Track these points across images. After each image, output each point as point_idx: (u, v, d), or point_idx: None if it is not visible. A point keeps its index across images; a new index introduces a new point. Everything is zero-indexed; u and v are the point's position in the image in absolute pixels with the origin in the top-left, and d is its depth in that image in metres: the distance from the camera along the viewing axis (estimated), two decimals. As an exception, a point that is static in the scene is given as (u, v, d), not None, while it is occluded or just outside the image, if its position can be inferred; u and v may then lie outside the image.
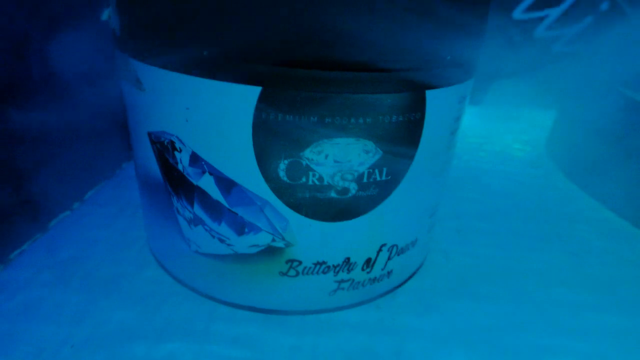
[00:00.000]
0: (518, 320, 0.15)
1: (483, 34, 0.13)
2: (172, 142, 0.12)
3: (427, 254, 0.18)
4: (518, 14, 0.38)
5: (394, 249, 0.14)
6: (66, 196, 0.19)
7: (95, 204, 0.20)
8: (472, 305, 0.16)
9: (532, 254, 0.19)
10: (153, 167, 0.13)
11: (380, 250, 0.14)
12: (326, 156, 0.11)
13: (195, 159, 0.12)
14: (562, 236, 0.20)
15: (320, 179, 0.12)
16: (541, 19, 0.38)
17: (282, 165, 0.11)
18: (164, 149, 0.12)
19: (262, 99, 0.10)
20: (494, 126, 0.35)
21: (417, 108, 0.11)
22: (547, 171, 0.28)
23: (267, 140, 0.11)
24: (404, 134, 0.12)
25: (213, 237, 0.13)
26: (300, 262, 0.13)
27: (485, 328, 0.15)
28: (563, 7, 0.38)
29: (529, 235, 0.20)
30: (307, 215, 0.12)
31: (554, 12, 0.38)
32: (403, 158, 0.12)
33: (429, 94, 0.11)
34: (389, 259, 0.14)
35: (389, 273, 0.15)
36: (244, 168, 0.11)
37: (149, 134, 0.13)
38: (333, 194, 0.12)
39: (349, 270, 0.14)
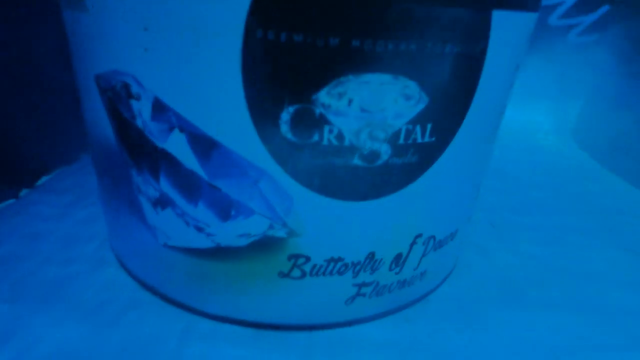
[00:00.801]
0: (586, 335, 0.12)
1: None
2: (127, 86, 0.08)
3: (462, 251, 0.14)
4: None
5: (431, 242, 0.11)
6: (11, 182, 0.16)
7: (48, 192, 0.16)
8: (525, 316, 0.12)
9: (583, 252, 0.15)
10: (104, 127, 0.09)
11: (414, 242, 0.10)
12: (350, 101, 0.08)
13: (159, 108, 0.08)
14: (612, 231, 0.17)
15: (340, 136, 0.08)
16: (554, 7, 0.35)
17: (285, 115, 0.08)
18: (117, 97, 0.09)
19: (256, 6, 0.07)
20: (513, 115, 0.32)
21: (479, 35, 0.08)
22: (578, 161, 0.24)
23: (264, 75, 0.07)
24: (460, 75, 0.08)
25: (187, 224, 0.09)
26: (308, 259, 0.09)
27: (547, 346, 0.11)
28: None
29: (574, 229, 0.17)
30: (318, 191, 0.09)
31: (567, 0, 0.35)
32: (454, 110, 0.09)
33: (497, 16, 0.08)
34: (424, 254, 0.11)
35: (422, 274, 0.11)
36: (229, 119, 0.08)
37: (97, 78, 0.09)
38: (357, 161, 0.08)
39: (372, 270, 0.10)
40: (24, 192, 0.16)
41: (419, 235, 0.10)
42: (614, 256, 0.15)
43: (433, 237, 0.11)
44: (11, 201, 0.15)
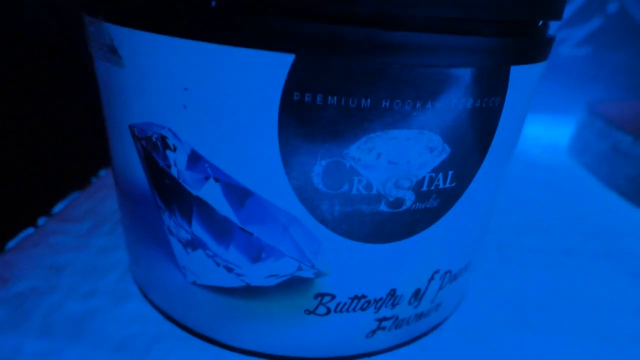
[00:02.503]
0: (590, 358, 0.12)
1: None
2: (164, 138, 0.09)
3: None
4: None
5: (447, 276, 0.11)
6: (29, 209, 0.16)
7: (65, 220, 0.16)
8: (535, 341, 0.13)
9: (586, 275, 0.16)
10: (137, 172, 0.10)
11: (432, 278, 0.11)
12: (378, 155, 0.08)
13: (195, 159, 0.09)
14: (614, 253, 0.18)
15: (368, 186, 0.09)
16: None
17: (318, 168, 0.08)
18: (152, 147, 0.09)
19: (294, 71, 0.07)
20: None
21: (498, 89, 0.09)
22: (576, 178, 0.25)
23: (300, 132, 0.08)
24: (479, 127, 0.09)
25: (218, 264, 0.10)
26: (333, 297, 0.10)
27: (559, 373, 0.12)
28: (569, 8, 0.36)
29: (577, 252, 0.18)
30: (345, 235, 0.09)
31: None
32: (473, 157, 0.09)
33: (514, 71, 0.09)
34: (440, 288, 0.11)
35: (438, 306, 0.12)
36: (264, 172, 0.08)
37: (131, 128, 0.09)
38: (383, 207, 0.09)
39: (393, 305, 0.11)
40: (41, 220, 0.16)
41: (436, 272, 0.11)
42: (617, 280, 0.16)
43: (449, 271, 0.11)
44: (30, 230, 0.15)
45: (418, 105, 0.08)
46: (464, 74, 0.08)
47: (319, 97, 0.08)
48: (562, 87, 0.37)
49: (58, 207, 0.17)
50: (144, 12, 0.08)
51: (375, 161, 0.08)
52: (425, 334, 0.12)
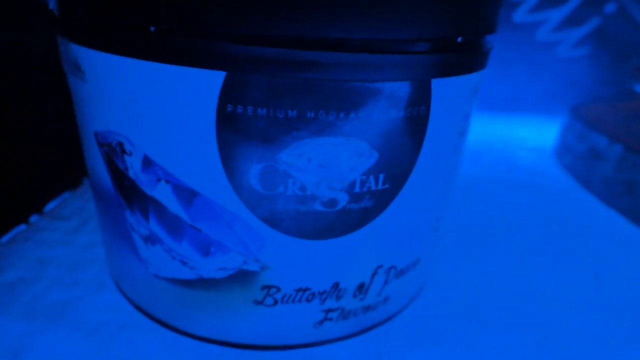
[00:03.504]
0: (539, 355, 0.13)
1: (498, 13, 0.11)
2: (121, 144, 0.10)
3: (430, 274, 0.16)
4: (519, 16, 0.36)
5: (392, 271, 0.12)
6: (22, 208, 0.17)
7: (55, 217, 0.18)
8: (483, 335, 0.13)
9: (550, 275, 0.17)
10: (103, 174, 0.11)
11: (375, 273, 0.12)
12: (309, 160, 0.09)
13: (147, 163, 0.10)
14: (581, 254, 0.18)
15: (303, 188, 0.09)
16: (543, 21, 0.36)
17: (254, 171, 0.09)
18: (112, 152, 0.10)
19: (226, 87, 0.08)
20: (495, 133, 0.33)
21: (420, 101, 0.09)
22: (558, 181, 0.26)
23: (235, 139, 0.09)
24: (405, 133, 0.10)
25: (173, 258, 0.11)
26: (278, 289, 0.11)
27: (500, 364, 0.12)
28: (566, 9, 0.36)
29: (543, 251, 0.18)
30: (286, 232, 0.10)
31: (556, 15, 0.37)
32: (403, 162, 0.10)
33: (436, 83, 0.09)
34: (385, 283, 0.12)
35: (386, 299, 0.12)
36: (207, 174, 0.09)
37: (96, 135, 0.10)
38: (318, 207, 0.10)
39: (337, 298, 0.11)
40: (33, 218, 0.17)
41: (379, 266, 0.12)
42: (578, 280, 0.17)
43: (394, 267, 0.12)
44: (22, 227, 0.17)
45: (342, 115, 0.09)
46: (383, 88, 0.09)
47: (249, 109, 0.08)
48: (558, 88, 0.38)
49: (50, 206, 0.18)
50: (98, 34, 0.09)
51: (306, 165, 0.09)
52: (375, 326, 0.13)
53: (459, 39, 0.09)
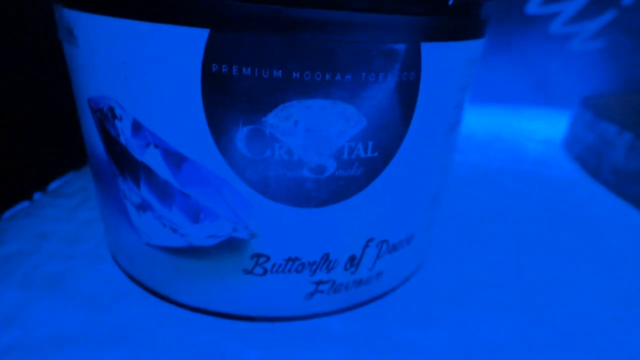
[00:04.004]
0: (529, 337, 0.12)
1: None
2: (112, 108, 0.10)
3: (426, 256, 0.16)
4: (532, 8, 0.35)
5: (384, 245, 0.12)
6: (26, 185, 0.17)
7: (59, 195, 0.18)
8: (475, 317, 0.13)
9: (558, 265, 0.16)
10: (96, 141, 0.11)
11: (366, 245, 0.11)
12: (295, 123, 0.09)
13: (137, 127, 0.10)
14: (585, 243, 0.18)
15: (289, 152, 0.09)
16: (557, 14, 0.36)
17: (241, 134, 0.09)
18: (104, 117, 0.10)
19: (210, 46, 0.08)
20: (505, 124, 0.33)
21: (410, 66, 0.09)
22: (567, 171, 0.25)
23: (220, 101, 0.09)
24: (395, 100, 0.10)
25: (164, 225, 0.11)
26: (268, 258, 0.11)
27: (490, 345, 0.12)
28: (581, 1, 0.35)
29: (548, 240, 0.18)
30: (275, 198, 0.10)
31: (570, 7, 0.36)
32: (393, 130, 0.10)
33: (426, 48, 0.09)
34: (378, 257, 0.12)
35: (379, 275, 0.12)
36: (194, 137, 0.09)
37: (89, 101, 0.10)
38: (306, 173, 0.10)
39: (328, 269, 0.11)
40: (37, 195, 0.18)
41: (371, 239, 0.11)
42: (581, 268, 0.16)
43: (386, 241, 0.12)
44: (26, 203, 0.17)
45: (327, 77, 0.09)
46: (369, 49, 0.09)
47: (234, 69, 0.08)
48: (571, 81, 0.37)
49: (54, 185, 0.19)
50: (88, -5, 0.09)
51: (293, 128, 0.09)
52: (367, 302, 0.13)
53: (450, 1, 0.09)
